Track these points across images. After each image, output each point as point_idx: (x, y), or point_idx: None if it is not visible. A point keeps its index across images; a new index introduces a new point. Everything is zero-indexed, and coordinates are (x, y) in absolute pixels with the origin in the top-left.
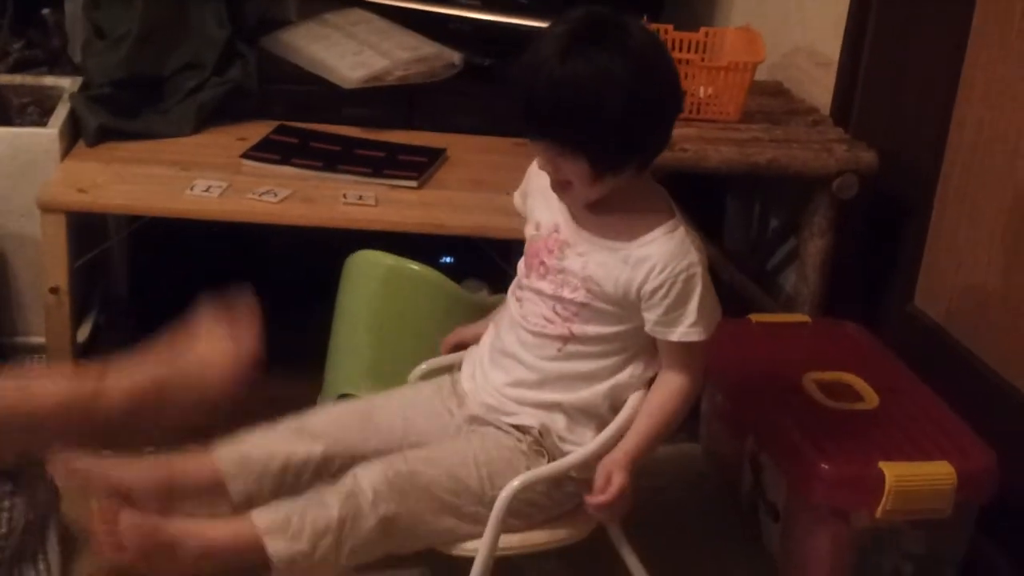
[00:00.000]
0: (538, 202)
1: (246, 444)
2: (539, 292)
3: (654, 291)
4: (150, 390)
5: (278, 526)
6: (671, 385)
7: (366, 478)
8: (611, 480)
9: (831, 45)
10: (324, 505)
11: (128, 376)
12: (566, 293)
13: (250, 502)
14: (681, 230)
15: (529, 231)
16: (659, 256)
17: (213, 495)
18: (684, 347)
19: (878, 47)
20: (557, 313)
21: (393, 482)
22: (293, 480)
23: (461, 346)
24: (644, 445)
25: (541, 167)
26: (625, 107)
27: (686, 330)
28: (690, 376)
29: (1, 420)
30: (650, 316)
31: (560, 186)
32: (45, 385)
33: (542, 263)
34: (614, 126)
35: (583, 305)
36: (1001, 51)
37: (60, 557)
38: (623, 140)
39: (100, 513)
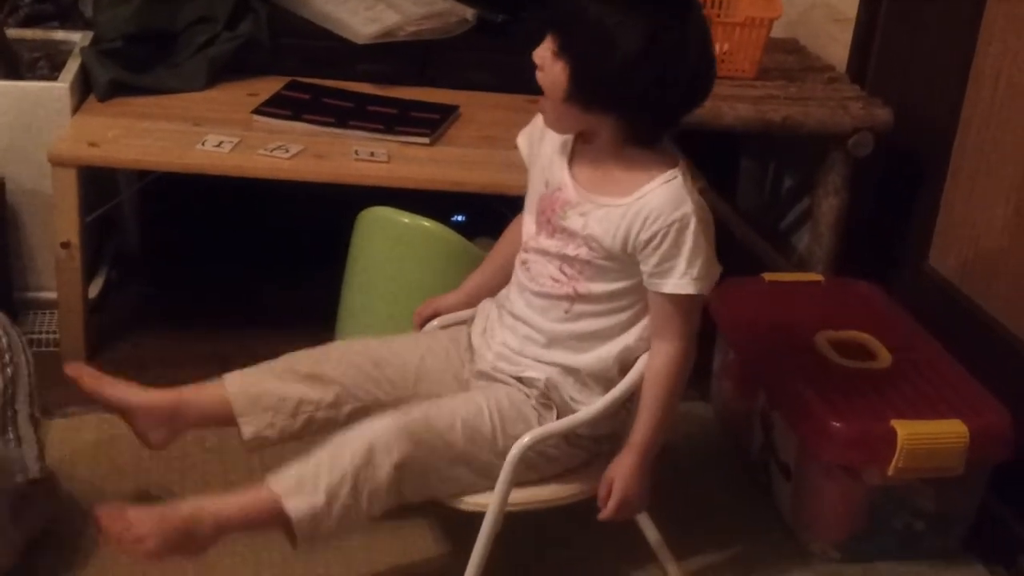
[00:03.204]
0: (547, 157)
1: (259, 383)
2: (544, 252)
3: (648, 240)
4: None
5: (294, 485)
6: (664, 359)
7: (380, 425)
8: (612, 490)
9: (849, 2)
10: (338, 456)
11: None
12: (569, 251)
13: (260, 442)
14: (679, 179)
15: (539, 188)
16: (654, 205)
17: (220, 425)
18: (676, 303)
19: (896, 3)
20: (563, 272)
21: (407, 428)
22: (304, 423)
23: (434, 317)
24: (651, 437)
25: (535, 55)
26: (625, 63)
27: (678, 281)
28: (681, 343)
29: None
30: (645, 268)
31: (542, 100)
32: None
33: (548, 221)
34: (607, 68)
35: (586, 263)
36: (1020, 4)
37: (32, 428)
38: (609, 84)
39: (107, 516)
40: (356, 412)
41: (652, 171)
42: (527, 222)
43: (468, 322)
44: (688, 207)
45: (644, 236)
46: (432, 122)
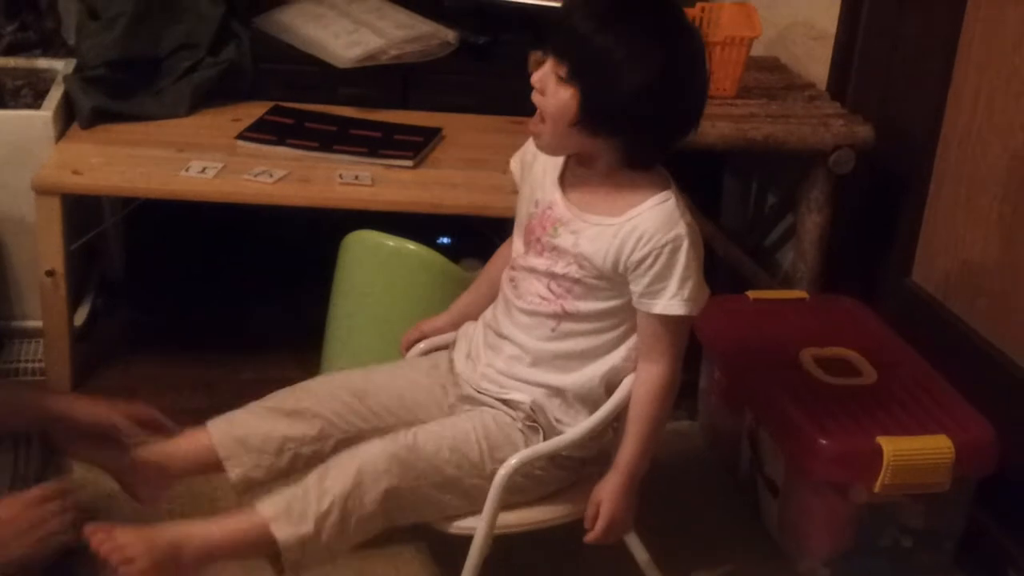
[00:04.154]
0: (538, 177)
1: (243, 425)
2: (533, 269)
3: (640, 261)
4: None
5: (282, 511)
6: (651, 381)
7: (369, 451)
8: (599, 512)
9: (828, 19)
10: (326, 482)
11: None
12: (559, 269)
13: (248, 484)
14: (672, 202)
15: (527, 208)
16: (646, 226)
17: (209, 472)
18: (665, 324)
19: (874, 20)
20: (551, 290)
21: (396, 454)
22: (290, 461)
23: (421, 340)
24: (638, 459)
25: (534, 79)
26: (639, 91)
27: (668, 302)
28: (668, 364)
29: None
30: (636, 288)
31: (536, 121)
32: None
33: (537, 240)
34: (619, 96)
35: (575, 281)
36: (998, 21)
37: None
38: (619, 112)
39: (97, 536)
40: (340, 444)
41: (644, 192)
42: (516, 241)
43: (450, 346)
44: (681, 228)
45: (636, 256)
46: (416, 145)
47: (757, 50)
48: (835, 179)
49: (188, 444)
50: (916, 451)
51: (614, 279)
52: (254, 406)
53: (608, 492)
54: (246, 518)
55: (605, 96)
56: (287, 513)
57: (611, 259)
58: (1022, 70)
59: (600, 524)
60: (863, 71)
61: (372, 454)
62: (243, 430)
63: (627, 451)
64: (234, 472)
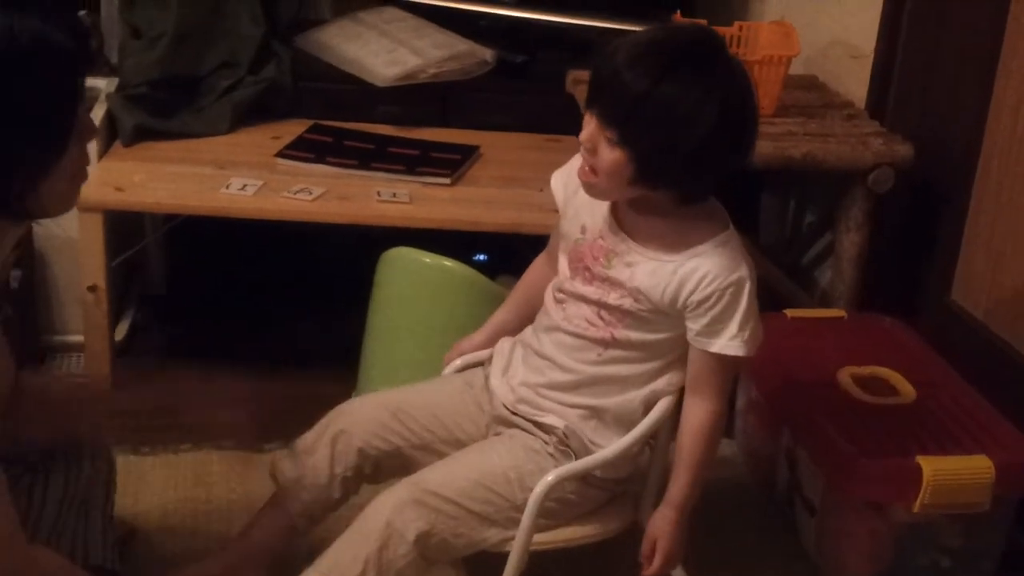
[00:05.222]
0: (584, 204)
1: (298, 465)
2: (583, 298)
3: (701, 301)
4: None
5: None
6: (702, 417)
7: (394, 500)
8: (656, 548)
9: (866, 38)
10: (356, 542)
11: None
12: (611, 300)
13: (311, 519)
14: (734, 243)
15: (573, 233)
16: (710, 267)
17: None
18: (720, 362)
19: (913, 38)
20: (601, 317)
21: (422, 500)
22: (341, 486)
23: (457, 357)
24: (689, 492)
25: (582, 139)
26: (698, 146)
27: (727, 342)
28: (718, 401)
29: None
30: (693, 326)
31: (587, 171)
32: None
33: (587, 268)
34: (677, 154)
35: (628, 312)
36: None
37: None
38: (678, 167)
39: None
40: (381, 461)
41: (705, 229)
42: (561, 263)
43: (485, 363)
44: (744, 271)
45: (697, 296)
46: (453, 163)
47: (795, 68)
48: (874, 197)
49: (269, 518)
50: (956, 471)
51: (670, 314)
52: (300, 441)
53: (662, 527)
54: None
55: (661, 157)
56: None
57: (670, 296)
58: None
59: (658, 560)
60: (902, 89)
61: (399, 502)
62: (299, 468)
63: (678, 485)
64: (296, 510)
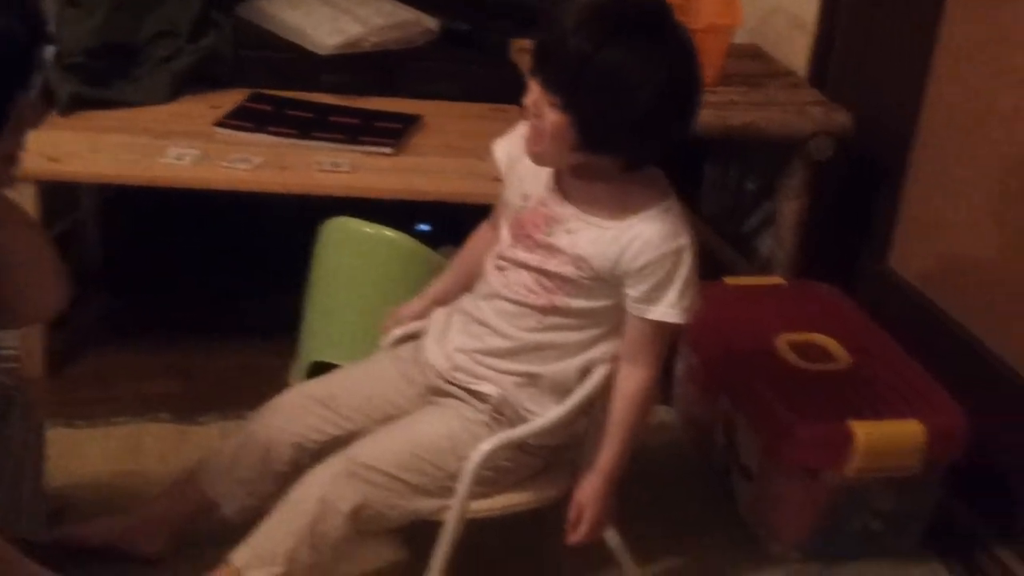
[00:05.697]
0: (528, 172)
1: (225, 461)
2: (524, 264)
3: (642, 268)
4: None
5: (252, 557)
6: (636, 384)
7: (327, 475)
8: (582, 516)
9: (808, 7)
10: (290, 517)
11: None
12: (552, 267)
13: (244, 513)
14: (676, 210)
15: (516, 201)
16: (651, 234)
17: (207, 512)
18: (657, 329)
19: (854, 9)
20: (541, 285)
21: (356, 473)
22: (274, 481)
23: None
24: (618, 460)
25: (527, 104)
26: (641, 112)
27: (666, 310)
28: (653, 368)
29: None
30: (633, 292)
31: (532, 137)
32: None
33: (528, 236)
34: (621, 120)
35: (569, 280)
36: (979, 7)
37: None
38: (622, 133)
39: None
40: (318, 455)
41: (646, 198)
42: (502, 230)
43: (419, 335)
44: (685, 239)
45: (638, 263)
46: (395, 132)
47: (739, 38)
48: (814, 166)
49: (180, 494)
50: (888, 435)
51: (609, 281)
52: (231, 439)
53: (589, 495)
54: (222, 571)
55: (604, 123)
56: (258, 557)
57: (610, 262)
58: (1003, 56)
59: (584, 528)
60: (842, 58)
61: (332, 476)
62: (227, 465)
63: (607, 453)
64: (229, 508)
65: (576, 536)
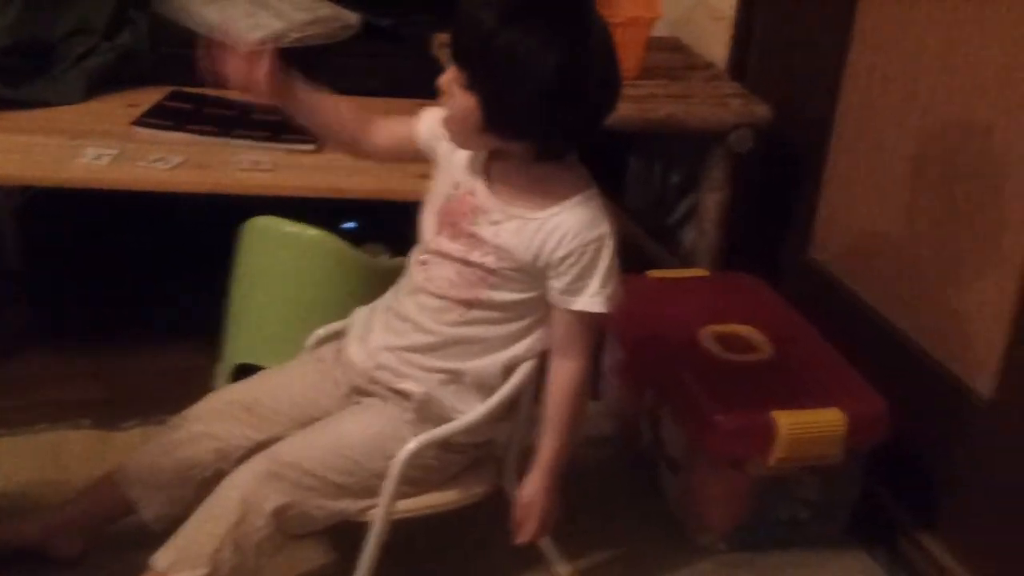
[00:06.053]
0: (461, 161)
1: (144, 467)
2: (447, 255)
3: (563, 258)
4: None
5: (176, 559)
6: (568, 377)
7: (248, 475)
8: (528, 514)
9: (727, 0)
10: (212, 519)
11: None
12: (475, 257)
13: (163, 519)
14: (596, 201)
15: (446, 189)
16: (571, 224)
17: (126, 516)
18: (582, 320)
19: (772, 1)
20: (464, 277)
21: (278, 473)
22: (196, 488)
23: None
24: (559, 455)
25: (440, 82)
26: (537, 93)
27: (589, 299)
28: (583, 359)
29: None
30: (556, 284)
31: (444, 118)
32: None
33: (454, 224)
34: (519, 100)
35: (491, 271)
36: (891, 1)
37: None
38: (523, 115)
39: None
40: (241, 460)
41: (567, 188)
42: (427, 220)
43: (339, 336)
44: (605, 228)
45: (560, 253)
46: None
47: (659, 31)
48: (734, 158)
49: (97, 497)
50: (809, 424)
51: (531, 273)
52: (151, 444)
53: (533, 492)
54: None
55: (505, 103)
56: (182, 560)
57: (532, 253)
58: (915, 48)
59: (531, 525)
60: (761, 51)
61: (253, 476)
62: (146, 470)
63: (547, 448)
64: (148, 513)
65: (524, 536)
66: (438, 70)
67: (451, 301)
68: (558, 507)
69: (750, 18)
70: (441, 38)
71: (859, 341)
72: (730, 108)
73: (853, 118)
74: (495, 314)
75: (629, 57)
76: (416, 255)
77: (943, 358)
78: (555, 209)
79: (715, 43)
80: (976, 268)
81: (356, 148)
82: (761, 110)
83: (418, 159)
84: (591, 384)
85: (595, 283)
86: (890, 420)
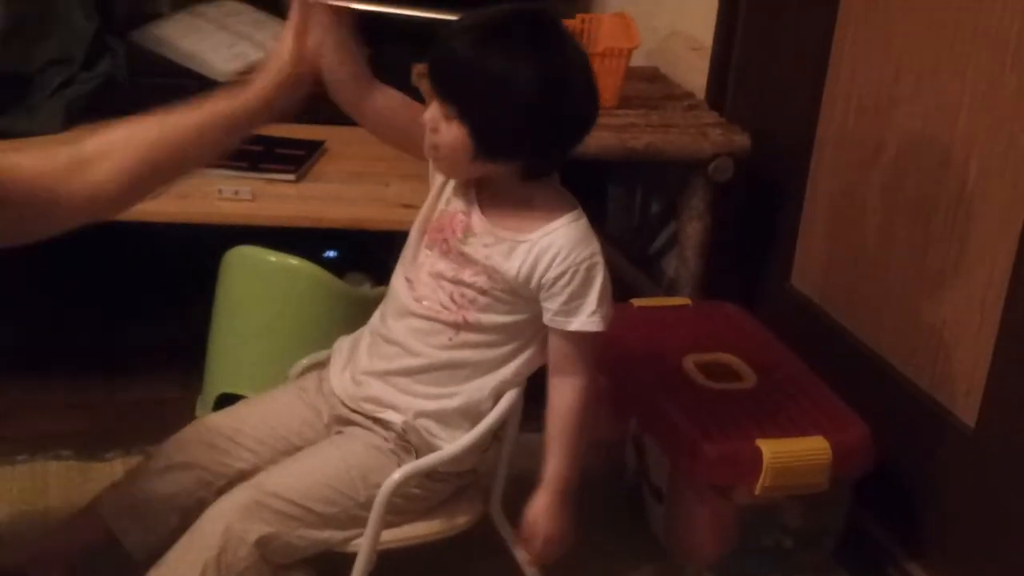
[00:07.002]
0: (455, 183)
1: (127, 496)
2: (437, 275)
3: (556, 279)
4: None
5: None
6: (570, 395)
7: (231, 505)
8: (534, 532)
9: (705, 29)
10: (193, 549)
11: (257, 86)
12: (466, 277)
13: (146, 550)
14: (584, 221)
15: (439, 205)
16: (562, 243)
17: (108, 545)
18: (579, 340)
19: (750, 30)
20: (453, 300)
21: (261, 503)
22: (180, 518)
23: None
24: (567, 473)
25: (424, 117)
26: (520, 113)
27: (585, 319)
28: (584, 376)
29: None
30: (550, 305)
31: (431, 149)
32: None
33: (445, 240)
34: (504, 122)
35: (482, 291)
36: (867, 28)
37: None
38: (508, 136)
39: None
40: (223, 489)
41: (554, 209)
42: (415, 233)
43: (322, 366)
44: (596, 246)
45: (552, 274)
46: (298, 158)
47: (638, 60)
48: (715, 187)
49: (79, 526)
50: (794, 452)
51: (523, 295)
52: (132, 474)
53: (541, 511)
54: None
55: (494, 127)
56: None
57: (524, 275)
58: (891, 77)
59: (539, 546)
60: (739, 81)
61: (235, 507)
62: (128, 500)
63: (554, 467)
64: (129, 543)
65: (531, 552)
66: (417, 100)
67: (441, 323)
68: (569, 526)
69: (728, 48)
70: (419, 68)
71: (841, 369)
72: (709, 138)
73: (831, 146)
74: (485, 337)
75: (608, 87)
76: (402, 276)
77: (926, 386)
78: (545, 229)
79: (693, 73)
80: (957, 296)
81: (356, 101)
82: (740, 139)
83: (400, 146)
84: (594, 399)
85: (591, 303)
86: (875, 448)
